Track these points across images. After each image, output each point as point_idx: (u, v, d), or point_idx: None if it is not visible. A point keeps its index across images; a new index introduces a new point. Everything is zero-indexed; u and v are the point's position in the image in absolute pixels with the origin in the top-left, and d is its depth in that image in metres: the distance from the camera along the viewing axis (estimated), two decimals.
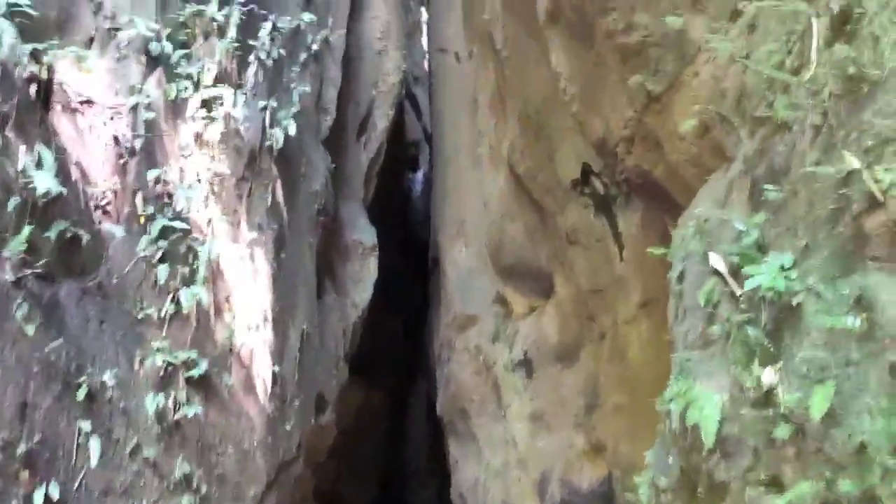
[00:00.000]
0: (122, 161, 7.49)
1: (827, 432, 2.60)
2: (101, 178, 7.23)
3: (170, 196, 7.76)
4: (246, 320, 8.22)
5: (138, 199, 7.50)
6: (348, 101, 12.45)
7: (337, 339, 11.12)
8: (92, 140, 7.24)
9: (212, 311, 7.82)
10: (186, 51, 8.32)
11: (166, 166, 7.83)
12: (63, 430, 6.46)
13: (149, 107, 7.75)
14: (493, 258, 10.52)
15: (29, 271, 6.27)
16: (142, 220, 7.43)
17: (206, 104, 8.24)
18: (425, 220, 16.11)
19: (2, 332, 6.11)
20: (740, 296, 3.32)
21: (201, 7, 8.49)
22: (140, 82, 7.82)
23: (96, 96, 7.43)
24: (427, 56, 18.78)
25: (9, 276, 6.16)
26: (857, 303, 2.62)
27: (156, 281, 7.47)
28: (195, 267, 7.64)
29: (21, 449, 6.05)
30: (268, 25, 9.36)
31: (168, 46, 8.10)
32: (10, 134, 6.34)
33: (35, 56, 6.63)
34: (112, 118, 7.45)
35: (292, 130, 9.18)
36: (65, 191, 6.63)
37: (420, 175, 18.81)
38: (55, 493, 6.20)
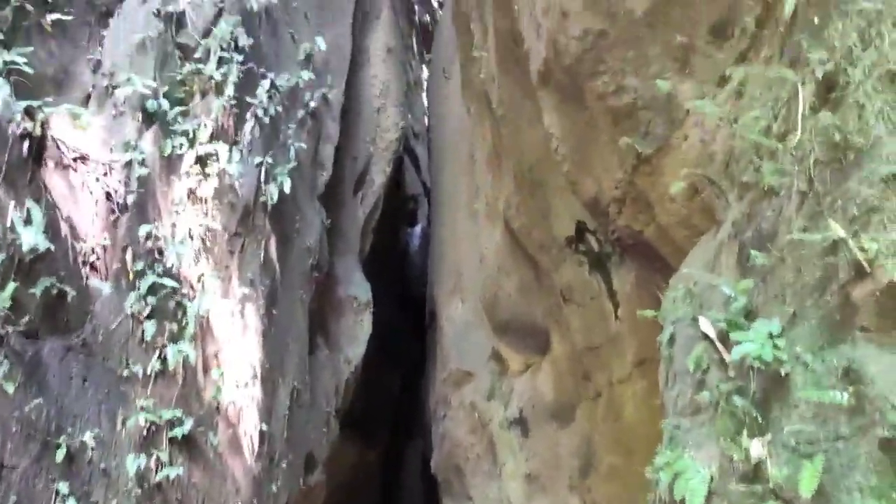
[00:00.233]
0: (113, 217, 7.47)
1: None
2: (91, 234, 7.19)
3: (160, 252, 7.70)
4: (234, 377, 8.08)
5: (128, 255, 7.45)
6: (346, 156, 12.54)
7: (329, 395, 10.94)
8: (83, 196, 7.23)
9: (199, 368, 7.70)
10: (183, 108, 8.40)
11: (158, 222, 7.80)
12: (40, 491, 6.27)
13: (143, 163, 7.77)
14: (489, 313, 10.42)
15: (12, 328, 6.20)
16: (130, 276, 7.35)
17: (201, 160, 8.27)
18: (423, 275, 16.06)
19: None
20: (729, 363, 3.24)
21: (199, 65, 8.58)
22: (135, 139, 7.87)
23: (91, 152, 7.46)
24: (427, 112, 19.03)
25: None
26: (846, 375, 2.56)
27: (142, 337, 7.36)
28: (184, 323, 7.55)
29: None
30: (266, 83, 9.47)
31: (165, 103, 8.17)
32: None
33: (29, 112, 6.66)
34: (105, 174, 7.46)
35: (287, 186, 9.20)
36: (52, 247, 6.58)
37: (418, 229, 18.83)
38: None
